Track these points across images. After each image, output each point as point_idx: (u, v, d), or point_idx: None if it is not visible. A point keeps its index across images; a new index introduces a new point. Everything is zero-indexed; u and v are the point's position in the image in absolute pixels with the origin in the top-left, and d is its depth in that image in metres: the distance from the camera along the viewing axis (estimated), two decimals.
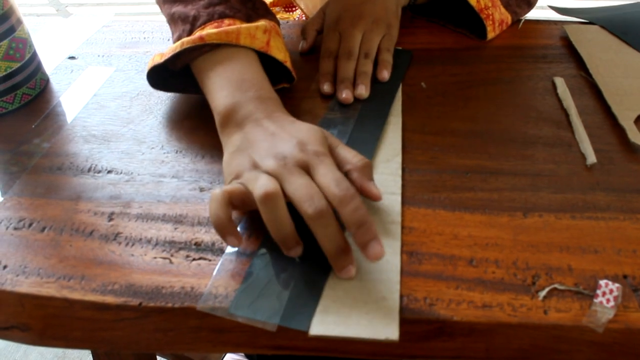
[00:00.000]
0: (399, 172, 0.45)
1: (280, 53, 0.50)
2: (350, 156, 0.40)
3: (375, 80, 0.56)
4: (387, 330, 0.33)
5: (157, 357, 0.93)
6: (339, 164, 0.39)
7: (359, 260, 0.37)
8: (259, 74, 0.47)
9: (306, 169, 0.38)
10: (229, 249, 0.39)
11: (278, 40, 0.51)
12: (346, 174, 0.39)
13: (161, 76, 0.53)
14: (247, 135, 0.42)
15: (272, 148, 0.40)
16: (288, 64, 0.51)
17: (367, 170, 0.39)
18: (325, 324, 0.34)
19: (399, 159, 0.46)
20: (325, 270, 0.37)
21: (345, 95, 0.53)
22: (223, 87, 0.46)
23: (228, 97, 0.45)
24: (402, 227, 0.40)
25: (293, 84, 0.54)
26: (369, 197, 0.39)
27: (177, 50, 0.47)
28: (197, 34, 0.48)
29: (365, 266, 0.37)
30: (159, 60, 0.49)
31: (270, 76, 0.49)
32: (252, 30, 0.48)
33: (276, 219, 0.36)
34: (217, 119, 0.45)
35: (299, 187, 0.36)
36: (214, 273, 0.37)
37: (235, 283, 0.36)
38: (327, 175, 0.37)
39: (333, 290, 0.36)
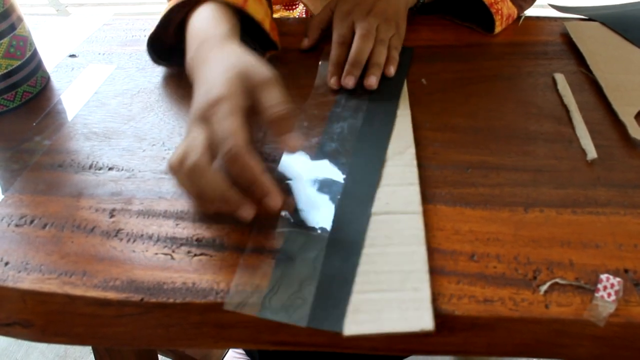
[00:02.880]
0: (414, 162, 0.45)
1: (258, 14, 0.52)
2: (268, 105, 0.39)
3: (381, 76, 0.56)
4: (422, 321, 0.33)
5: (159, 355, 0.93)
6: (261, 109, 0.39)
7: (385, 254, 0.37)
8: (212, 20, 0.49)
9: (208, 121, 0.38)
10: (250, 246, 0.38)
11: (257, 5, 0.53)
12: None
13: (162, 50, 0.58)
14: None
15: (193, 104, 0.41)
16: (266, 25, 0.53)
17: (283, 121, 0.39)
18: (359, 323, 0.33)
19: (412, 150, 0.46)
20: (352, 266, 0.37)
21: (352, 82, 0.53)
22: (188, 44, 0.49)
23: (188, 54, 0.48)
24: None
25: (278, 52, 0.57)
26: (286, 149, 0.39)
27: (163, 13, 0.51)
28: None
29: (393, 259, 0.37)
30: (153, 30, 0.53)
31: (261, 45, 0.54)
32: None
33: (204, 185, 0.37)
34: None
35: (184, 144, 0.38)
36: (238, 270, 0.37)
37: (261, 281, 0.36)
38: (217, 130, 0.37)
39: (361, 285, 0.35)
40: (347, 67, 0.54)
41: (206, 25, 0.48)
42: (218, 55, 0.44)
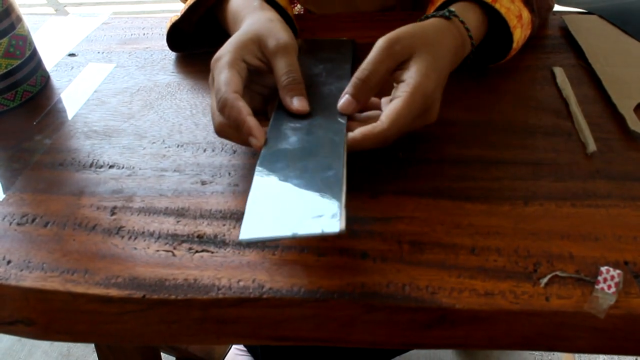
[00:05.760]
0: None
1: (283, 0, 0.56)
2: (279, 73, 0.43)
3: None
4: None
5: (162, 354, 0.93)
6: (274, 75, 0.44)
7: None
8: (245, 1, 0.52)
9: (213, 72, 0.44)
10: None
11: None
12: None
13: (178, 38, 0.61)
14: None
15: None
16: (289, 11, 0.56)
17: (291, 87, 0.43)
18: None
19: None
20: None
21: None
22: (228, 21, 0.54)
23: (230, 29, 0.53)
24: (403, 217, 0.40)
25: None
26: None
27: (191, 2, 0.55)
28: None
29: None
30: (176, 18, 0.56)
31: None
32: None
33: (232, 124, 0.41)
34: None
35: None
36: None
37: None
38: (215, 81, 0.43)
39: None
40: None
41: (242, 2, 0.52)
42: (247, 21, 0.48)
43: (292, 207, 0.35)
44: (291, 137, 0.42)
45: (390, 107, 0.40)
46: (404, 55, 0.42)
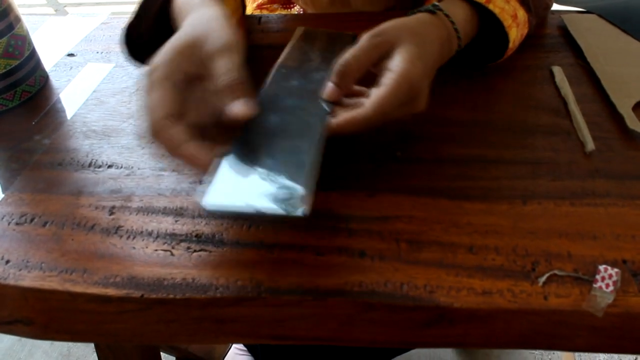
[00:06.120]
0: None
1: (229, 6, 0.51)
2: (217, 73, 0.39)
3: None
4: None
5: (163, 354, 0.93)
6: (213, 77, 0.39)
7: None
8: None
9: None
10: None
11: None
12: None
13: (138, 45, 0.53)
14: None
15: None
16: (232, 22, 0.50)
17: (232, 90, 0.38)
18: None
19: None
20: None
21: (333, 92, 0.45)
22: (174, 20, 0.48)
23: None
24: (401, 216, 0.40)
25: None
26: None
27: (140, 3, 0.50)
28: None
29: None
30: (130, 18, 0.50)
31: None
32: None
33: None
34: None
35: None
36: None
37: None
38: (145, 102, 0.38)
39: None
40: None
41: None
42: (187, 21, 0.43)
43: (261, 184, 0.36)
44: (274, 116, 0.42)
45: (374, 93, 0.40)
46: (388, 45, 0.43)
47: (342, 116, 0.40)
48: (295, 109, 0.43)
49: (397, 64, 0.41)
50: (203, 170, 0.36)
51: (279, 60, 0.50)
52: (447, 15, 0.48)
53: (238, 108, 0.38)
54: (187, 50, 0.39)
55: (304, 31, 0.55)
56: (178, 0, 0.48)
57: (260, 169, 0.37)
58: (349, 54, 0.43)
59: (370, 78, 0.43)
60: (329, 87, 0.43)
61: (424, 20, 0.47)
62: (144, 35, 0.53)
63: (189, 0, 0.46)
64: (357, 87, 0.44)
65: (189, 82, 0.39)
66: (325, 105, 0.43)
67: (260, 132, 0.40)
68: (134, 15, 0.51)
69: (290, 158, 0.38)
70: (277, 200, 0.34)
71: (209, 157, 0.37)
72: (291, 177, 0.36)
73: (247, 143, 0.39)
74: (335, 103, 0.43)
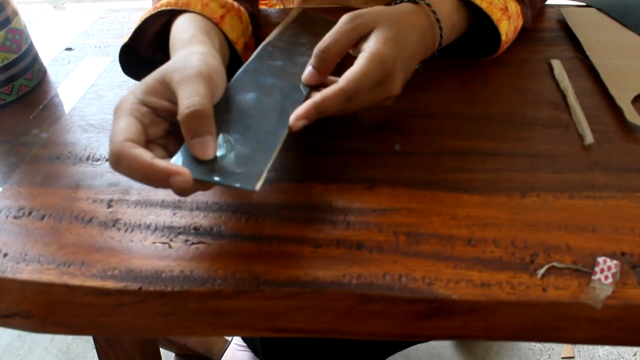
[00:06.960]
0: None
1: (233, 33, 0.51)
2: (180, 105, 0.36)
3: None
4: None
5: (162, 350, 0.93)
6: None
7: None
8: (182, 27, 0.47)
9: None
10: None
11: (236, 22, 0.51)
12: None
13: (134, 63, 0.53)
14: None
15: None
16: (238, 47, 0.51)
17: (192, 121, 0.36)
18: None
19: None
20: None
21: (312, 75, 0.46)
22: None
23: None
24: (399, 209, 0.40)
25: None
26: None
27: (138, 24, 0.49)
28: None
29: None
30: (126, 40, 0.50)
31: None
32: (205, 0, 0.49)
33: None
34: None
35: None
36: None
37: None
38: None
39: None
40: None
41: (178, 31, 0.47)
42: (172, 59, 0.42)
43: (224, 158, 0.37)
44: (251, 93, 0.43)
45: (348, 71, 0.42)
46: (365, 28, 0.44)
47: (319, 94, 0.41)
48: (274, 89, 0.44)
49: (370, 44, 0.43)
50: (184, 180, 0.34)
51: (268, 38, 0.51)
52: (428, 5, 0.49)
53: (199, 148, 0.36)
54: (156, 85, 0.38)
55: (301, 12, 0.55)
56: (172, 31, 0.47)
57: (227, 143, 0.38)
58: (327, 38, 0.44)
59: (349, 63, 0.43)
60: (308, 71, 0.44)
61: (405, 9, 0.48)
62: (141, 53, 0.53)
63: (179, 36, 0.46)
64: (333, 78, 0.45)
65: (159, 116, 0.38)
66: (303, 89, 0.44)
67: (236, 107, 0.42)
68: (131, 36, 0.50)
69: (259, 137, 0.39)
70: (234, 174, 0.36)
71: (185, 169, 0.35)
72: (254, 156, 0.38)
73: (222, 115, 0.40)
74: (314, 87, 0.44)
